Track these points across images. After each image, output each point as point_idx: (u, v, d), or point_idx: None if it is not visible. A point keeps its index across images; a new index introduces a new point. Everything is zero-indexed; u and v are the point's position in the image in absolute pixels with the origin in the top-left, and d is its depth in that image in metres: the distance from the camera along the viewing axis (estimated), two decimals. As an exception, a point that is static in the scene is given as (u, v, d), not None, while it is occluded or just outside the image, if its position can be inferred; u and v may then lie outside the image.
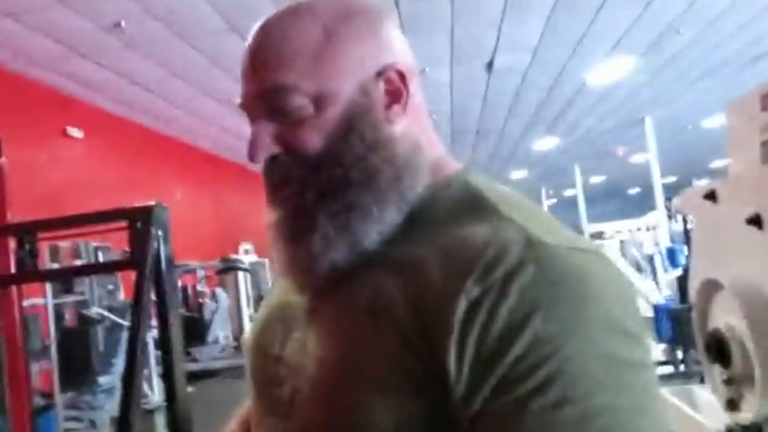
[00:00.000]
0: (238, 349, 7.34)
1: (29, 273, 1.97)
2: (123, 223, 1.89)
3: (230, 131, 8.60)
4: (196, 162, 9.36)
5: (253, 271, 8.74)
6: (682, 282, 4.22)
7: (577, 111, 9.51)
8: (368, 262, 0.56)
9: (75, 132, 6.27)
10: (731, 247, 1.59)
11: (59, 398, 4.31)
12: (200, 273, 8.56)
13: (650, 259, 6.43)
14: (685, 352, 4.18)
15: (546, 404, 0.43)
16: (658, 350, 4.80)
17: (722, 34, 6.39)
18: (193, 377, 6.25)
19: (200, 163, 9.52)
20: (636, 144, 12.04)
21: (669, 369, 4.31)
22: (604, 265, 0.51)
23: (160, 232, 1.87)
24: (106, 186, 6.37)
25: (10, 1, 4.24)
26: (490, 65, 6.74)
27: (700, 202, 1.69)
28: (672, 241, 8.13)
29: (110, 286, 5.18)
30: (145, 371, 5.19)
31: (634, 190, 23.07)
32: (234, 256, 8.38)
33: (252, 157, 0.58)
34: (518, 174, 16.15)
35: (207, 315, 7.65)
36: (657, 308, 4.43)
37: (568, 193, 20.40)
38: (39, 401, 4.25)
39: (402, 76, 0.59)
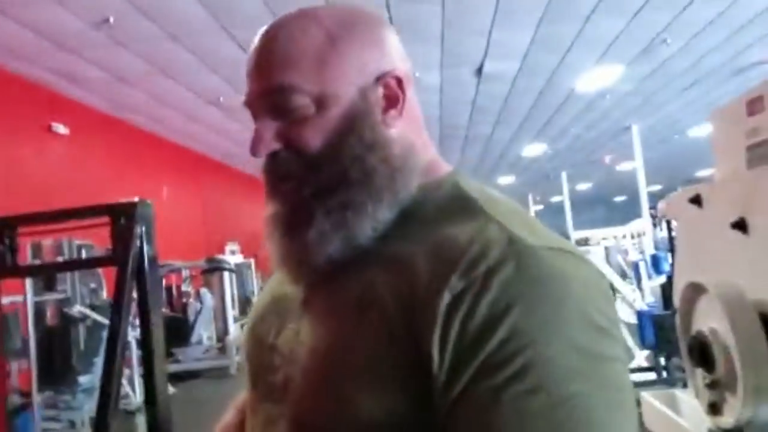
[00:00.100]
0: (221, 350, 7.31)
1: (8, 268, 1.93)
2: (106, 219, 1.87)
3: (218, 131, 8.55)
4: (183, 161, 9.30)
5: (238, 271, 8.72)
6: (666, 289, 4.26)
7: (565, 118, 9.58)
8: (361, 256, 0.58)
9: (60, 128, 6.19)
10: (715, 251, 1.60)
11: (37, 397, 4.23)
12: (185, 273, 8.50)
13: (635, 266, 6.49)
14: (667, 358, 4.21)
15: (521, 391, 0.46)
16: (641, 357, 4.83)
17: (708, 45, 6.48)
18: (176, 378, 6.23)
19: (187, 162, 9.46)
20: (623, 152, 12.16)
21: (651, 375, 4.33)
22: (581, 265, 0.54)
23: (143, 229, 1.85)
24: (91, 184, 6.30)
25: (-4, -7, 4.20)
26: (479, 71, 6.78)
27: (686, 205, 1.70)
28: (656, 248, 8.21)
29: (93, 285, 5.12)
30: (127, 371, 5.13)
31: (620, 198, 23.29)
32: (220, 257, 8.34)
33: (254, 152, 0.61)
34: (506, 180, 16.24)
35: (191, 315, 7.60)
36: (640, 315, 4.46)
37: (555, 199, 20.54)
38: (17, 400, 4.18)
39: (400, 82, 0.62)
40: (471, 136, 10.45)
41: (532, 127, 10.10)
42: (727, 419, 1.43)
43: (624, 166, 14.47)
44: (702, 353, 1.49)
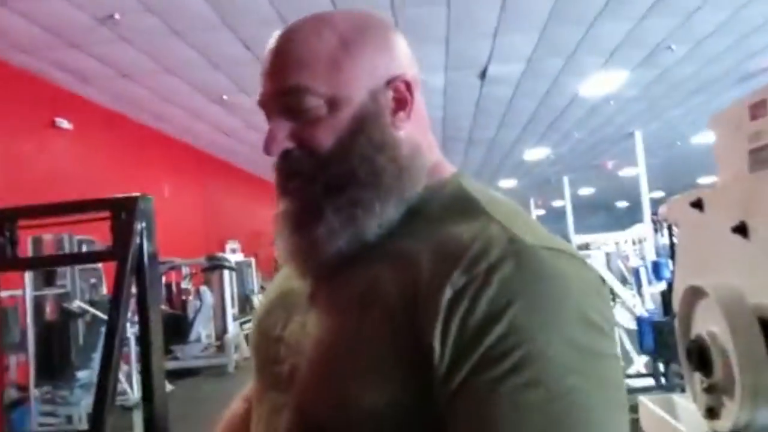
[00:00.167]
0: (220, 348, 7.31)
1: (8, 260, 1.93)
2: (106, 214, 1.86)
3: (221, 129, 8.56)
4: (185, 158, 9.31)
5: (238, 270, 8.72)
6: (666, 295, 4.25)
7: (568, 122, 9.58)
8: (367, 252, 0.61)
9: (64, 123, 6.20)
10: (716, 255, 1.59)
11: (34, 392, 4.23)
12: (185, 270, 8.50)
13: (635, 272, 6.48)
14: (666, 365, 4.20)
15: (519, 384, 0.47)
16: (640, 363, 4.82)
17: (713, 52, 6.48)
18: (175, 375, 6.23)
19: (190, 159, 9.46)
20: (625, 158, 12.15)
21: (650, 381, 4.32)
22: (577, 265, 0.55)
23: (143, 224, 1.84)
24: (93, 179, 6.31)
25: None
26: (483, 74, 6.78)
27: (687, 209, 1.70)
28: (657, 254, 8.19)
29: (93, 280, 5.12)
30: (125, 368, 5.12)
31: (622, 204, 23.27)
32: (220, 255, 8.34)
33: (267, 151, 0.63)
34: (508, 183, 16.24)
35: (190, 313, 7.60)
36: (640, 320, 4.45)
37: (557, 204, 20.53)
38: (14, 394, 4.18)
39: (408, 85, 0.65)
40: (474, 139, 10.45)
41: (536, 131, 10.10)
42: (725, 423, 1.43)
43: (626, 172, 14.47)
44: (700, 357, 1.49)
